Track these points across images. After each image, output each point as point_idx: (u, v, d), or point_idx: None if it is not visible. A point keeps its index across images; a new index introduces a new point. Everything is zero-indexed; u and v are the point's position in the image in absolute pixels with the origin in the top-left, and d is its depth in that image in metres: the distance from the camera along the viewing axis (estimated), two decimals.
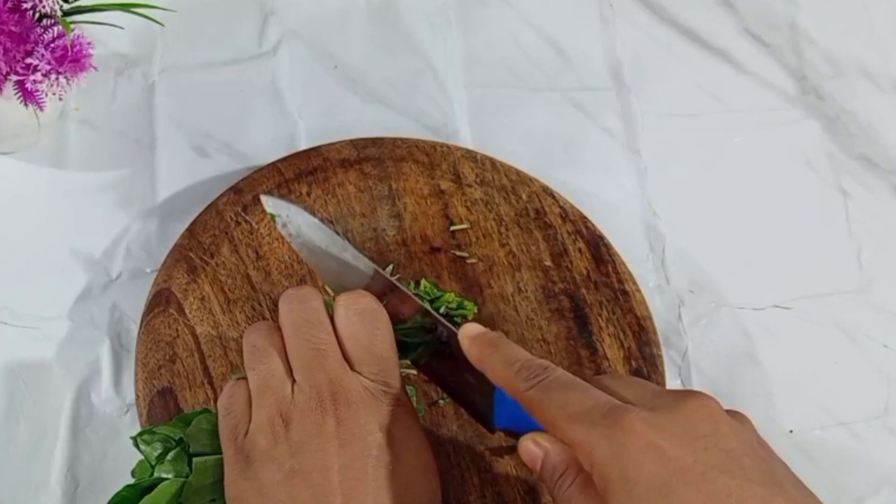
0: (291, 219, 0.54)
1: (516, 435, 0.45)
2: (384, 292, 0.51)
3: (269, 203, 0.56)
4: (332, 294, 0.56)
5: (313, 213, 0.53)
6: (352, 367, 0.45)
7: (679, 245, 0.64)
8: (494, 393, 0.47)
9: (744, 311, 0.62)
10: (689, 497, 0.36)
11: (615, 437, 0.38)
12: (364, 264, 0.52)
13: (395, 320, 0.48)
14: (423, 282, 0.58)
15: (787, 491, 0.37)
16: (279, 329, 0.46)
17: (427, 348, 0.51)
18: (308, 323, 0.45)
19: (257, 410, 0.44)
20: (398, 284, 0.51)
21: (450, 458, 0.54)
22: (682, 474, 0.37)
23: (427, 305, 0.50)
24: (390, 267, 0.59)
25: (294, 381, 0.44)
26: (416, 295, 0.53)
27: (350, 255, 0.52)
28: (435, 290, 0.57)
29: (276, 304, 0.56)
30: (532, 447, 0.43)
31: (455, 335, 0.47)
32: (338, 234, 0.52)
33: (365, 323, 0.46)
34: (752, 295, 0.63)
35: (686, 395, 0.40)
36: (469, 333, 0.47)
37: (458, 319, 0.57)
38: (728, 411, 0.41)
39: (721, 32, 0.73)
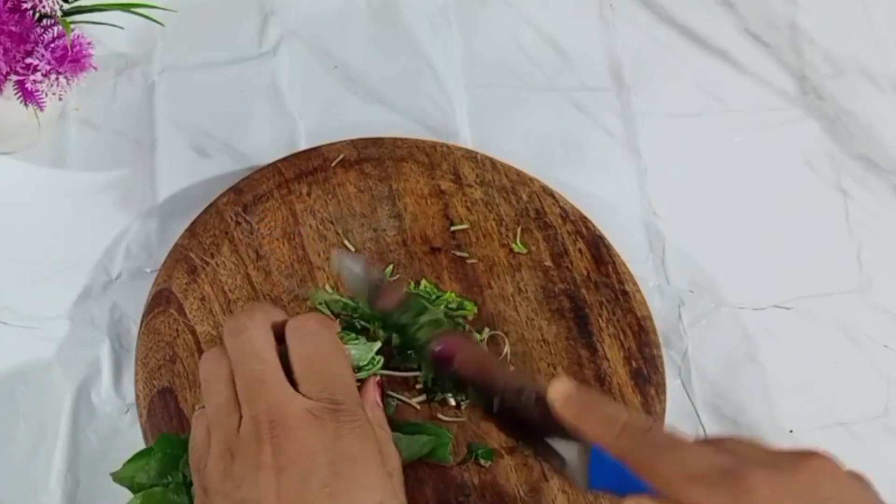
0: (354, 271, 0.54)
1: (615, 496, 0.42)
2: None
3: (338, 260, 0.56)
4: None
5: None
6: (298, 389, 0.44)
7: (679, 245, 0.64)
8: (590, 451, 0.44)
9: (744, 311, 0.62)
10: None
11: (740, 498, 0.36)
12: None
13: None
14: (423, 282, 0.58)
15: None
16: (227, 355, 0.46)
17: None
18: (243, 355, 0.45)
19: (212, 445, 0.44)
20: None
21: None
22: None
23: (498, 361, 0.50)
24: (390, 267, 0.59)
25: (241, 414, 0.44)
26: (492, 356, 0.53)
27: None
28: (435, 291, 0.57)
29: (276, 304, 0.57)
30: None
31: (536, 391, 0.46)
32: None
33: (307, 343, 0.46)
34: (752, 295, 0.63)
35: (806, 454, 0.39)
36: (561, 394, 0.45)
37: (458, 320, 0.57)
38: (849, 473, 0.40)
39: (721, 32, 0.73)
